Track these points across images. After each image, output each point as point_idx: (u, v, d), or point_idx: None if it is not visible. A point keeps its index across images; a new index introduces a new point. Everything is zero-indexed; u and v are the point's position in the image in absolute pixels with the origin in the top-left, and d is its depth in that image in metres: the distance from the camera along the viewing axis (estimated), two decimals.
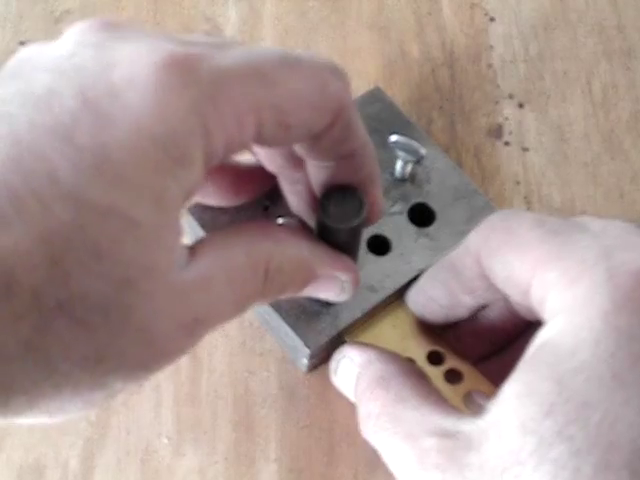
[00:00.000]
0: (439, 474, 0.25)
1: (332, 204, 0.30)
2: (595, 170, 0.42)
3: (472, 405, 0.31)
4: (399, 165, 0.37)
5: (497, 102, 0.44)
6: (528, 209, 0.41)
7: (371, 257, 0.36)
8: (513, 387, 0.25)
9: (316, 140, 0.28)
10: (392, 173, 0.38)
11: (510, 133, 0.43)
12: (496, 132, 0.43)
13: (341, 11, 0.47)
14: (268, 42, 0.45)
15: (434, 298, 0.32)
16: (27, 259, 0.21)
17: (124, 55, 0.24)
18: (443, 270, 0.32)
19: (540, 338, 0.26)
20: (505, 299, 0.31)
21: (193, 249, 0.26)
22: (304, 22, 0.46)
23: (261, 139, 0.26)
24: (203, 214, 0.35)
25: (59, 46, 0.25)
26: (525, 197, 0.41)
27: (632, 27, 0.46)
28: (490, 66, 0.45)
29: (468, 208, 0.37)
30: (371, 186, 0.30)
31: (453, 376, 0.33)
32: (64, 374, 0.23)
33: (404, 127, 0.39)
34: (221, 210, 0.35)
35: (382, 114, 0.39)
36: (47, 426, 0.35)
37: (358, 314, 0.34)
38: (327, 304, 0.34)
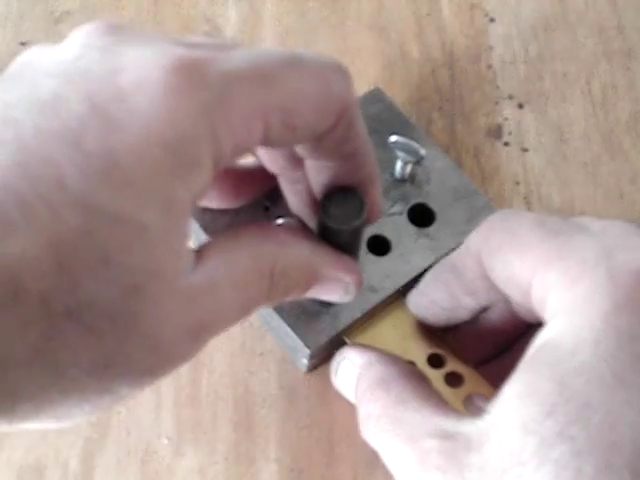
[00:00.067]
0: (440, 475, 0.25)
1: (333, 205, 0.30)
2: (595, 170, 0.42)
3: (472, 408, 0.31)
4: (399, 165, 0.37)
5: (497, 103, 0.44)
6: (528, 209, 0.41)
7: (371, 257, 0.36)
8: (514, 388, 0.25)
9: (319, 140, 0.28)
10: (392, 173, 0.38)
11: (510, 133, 0.43)
12: (496, 132, 0.43)
13: (341, 11, 0.47)
14: (268, 42, 0.45)
15: (436, 300, 0.32)
16: (35, 265, 0.21)
17: (131, 59, 0.24)
18: (444, 272, 0.32)
19: (540, 338, 0.26)
20: (506, 301, 0.31)
21: (199, 253, 0.26)
22: (304, 22, 0.46)
23: (267, 141, 0.26)
24: (203, 215, 0.35)
25: (64, 49, 0.25)
26: (525, 197, 0.41)
27: (632, 27, 0.46)
28: (490, 67, 0.45)
29: (468, 208, 0.37)
30: (371, 186, 0.30)
31: (454, 379, 0.33)
32: (71, 380, 0.22)
33: (404, 127, 0.39)
34: (221, 211, 0.35)
35: (382, 114, 0.39)
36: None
37: (358, 314, 0.34)
38: (327, 304, 0.34)
